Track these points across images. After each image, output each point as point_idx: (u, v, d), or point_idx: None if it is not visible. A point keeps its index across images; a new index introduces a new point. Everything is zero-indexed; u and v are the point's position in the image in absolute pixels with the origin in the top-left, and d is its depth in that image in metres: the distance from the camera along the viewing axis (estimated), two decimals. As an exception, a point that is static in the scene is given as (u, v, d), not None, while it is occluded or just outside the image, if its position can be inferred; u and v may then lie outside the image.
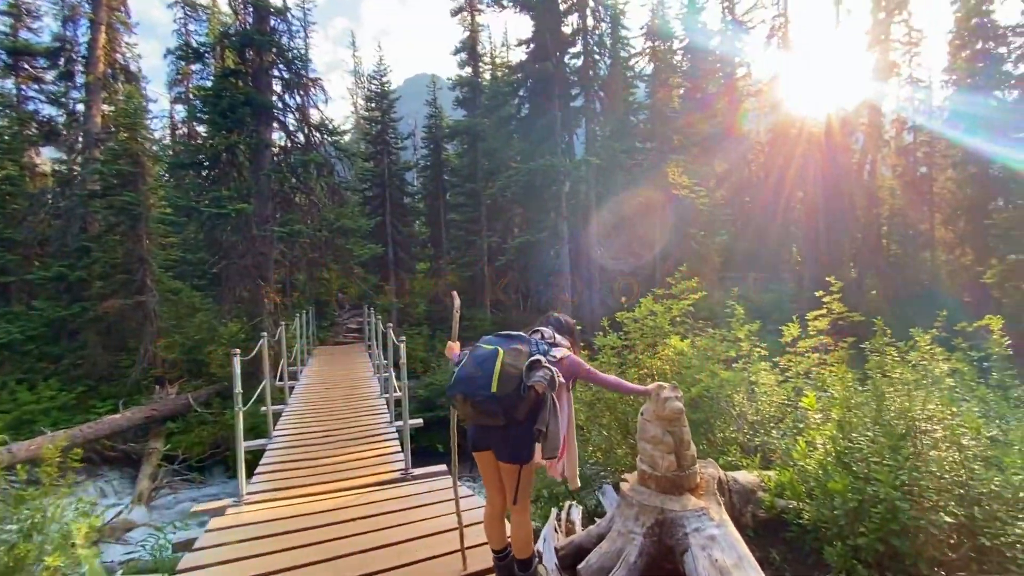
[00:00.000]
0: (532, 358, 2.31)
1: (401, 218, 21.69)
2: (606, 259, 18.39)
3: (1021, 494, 2.30)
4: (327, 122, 15.99)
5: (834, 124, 26.75)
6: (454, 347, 2.70)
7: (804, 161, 26.30)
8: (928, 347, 3.45)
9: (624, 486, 3.11)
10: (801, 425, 3.64)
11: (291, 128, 15.63)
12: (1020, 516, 2.28)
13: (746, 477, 3.65)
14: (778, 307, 22.64)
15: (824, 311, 4.83)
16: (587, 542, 3.11)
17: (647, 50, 23.40)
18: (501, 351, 2.27)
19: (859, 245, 28.35)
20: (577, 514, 4.12)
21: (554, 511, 4.18)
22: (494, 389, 2.16)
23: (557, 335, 2.67)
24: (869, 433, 3.00)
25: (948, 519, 2.46)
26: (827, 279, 5.40)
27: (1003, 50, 25.96)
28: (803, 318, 5.12)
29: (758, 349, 5.09)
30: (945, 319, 3.80)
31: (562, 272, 16.98)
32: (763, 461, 3.93)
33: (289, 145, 15.63)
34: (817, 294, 5.28)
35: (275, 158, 15.08)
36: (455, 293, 3.16)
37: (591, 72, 19.99)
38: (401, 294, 20.56)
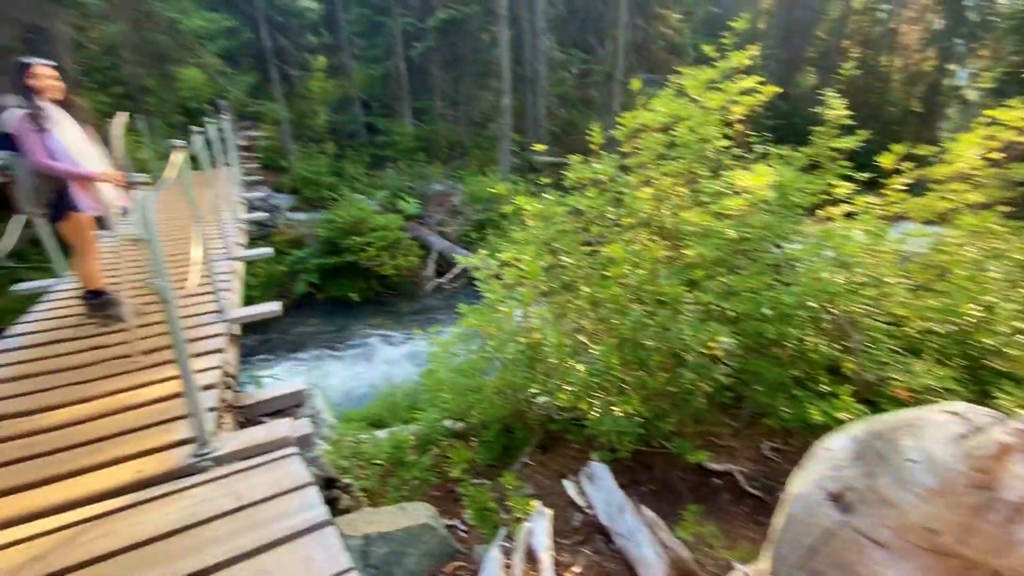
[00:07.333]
0: None
1: (276, -14, 15.64)
2: (554, 51, 14.43)
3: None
4: None
5: None
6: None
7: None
8: None
9: None
10: None
11: None
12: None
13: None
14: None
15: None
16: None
17: None
18: None
19: (821, 46, 25.21)
20: (543, 536, 2.07)
21: (497, 544, 2.11)
22: None
23: None
24: None
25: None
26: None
27: None
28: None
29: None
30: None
31: (500, 66, 13.05)
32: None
33: None
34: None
35: None
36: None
37: None
38: (292, 99, 15.88)
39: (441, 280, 11.05)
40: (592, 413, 2.36)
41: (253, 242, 7.40)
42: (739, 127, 2.66)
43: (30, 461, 2.31)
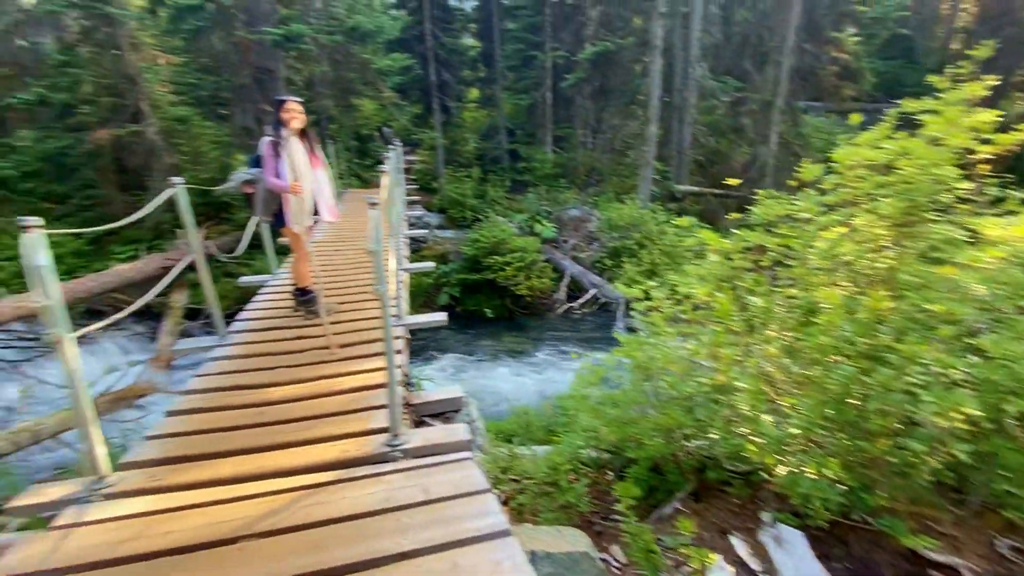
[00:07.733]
0: None
1: (445, 27, 17.38)
2: (707, 79, 13.93)
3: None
4: None
5: None
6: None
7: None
8: None
9: None
10: None
11: None
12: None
13: None
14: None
15: None
16: None
17: None
18: None
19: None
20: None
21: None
22: None
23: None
24: None
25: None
26: None
27: None
28: None
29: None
30: None
31: (649, 95, 12.95)
32: None
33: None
34: None
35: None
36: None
37: None
38: (447, 128, 17.39)
39: (572, 304, 11.12)
40: (779, 471, 2.16)
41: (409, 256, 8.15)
42: (983, 168, 2.29)
43: (261, 428, 2.75)
